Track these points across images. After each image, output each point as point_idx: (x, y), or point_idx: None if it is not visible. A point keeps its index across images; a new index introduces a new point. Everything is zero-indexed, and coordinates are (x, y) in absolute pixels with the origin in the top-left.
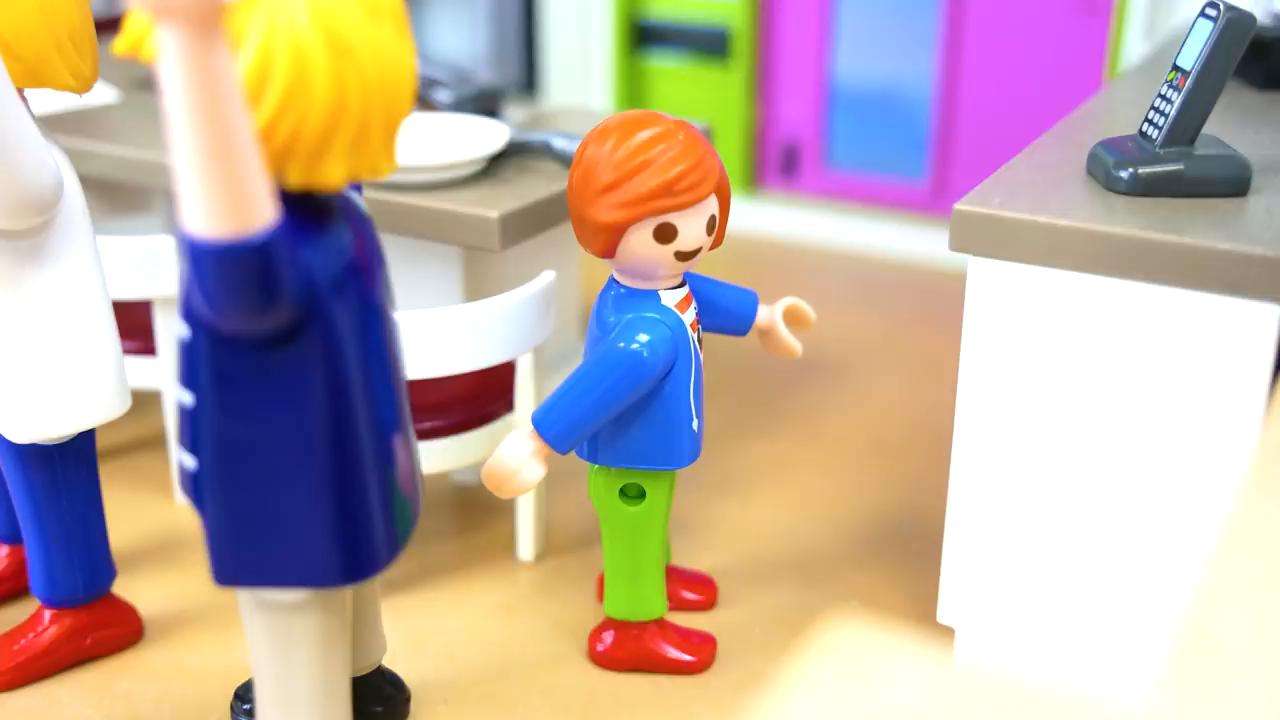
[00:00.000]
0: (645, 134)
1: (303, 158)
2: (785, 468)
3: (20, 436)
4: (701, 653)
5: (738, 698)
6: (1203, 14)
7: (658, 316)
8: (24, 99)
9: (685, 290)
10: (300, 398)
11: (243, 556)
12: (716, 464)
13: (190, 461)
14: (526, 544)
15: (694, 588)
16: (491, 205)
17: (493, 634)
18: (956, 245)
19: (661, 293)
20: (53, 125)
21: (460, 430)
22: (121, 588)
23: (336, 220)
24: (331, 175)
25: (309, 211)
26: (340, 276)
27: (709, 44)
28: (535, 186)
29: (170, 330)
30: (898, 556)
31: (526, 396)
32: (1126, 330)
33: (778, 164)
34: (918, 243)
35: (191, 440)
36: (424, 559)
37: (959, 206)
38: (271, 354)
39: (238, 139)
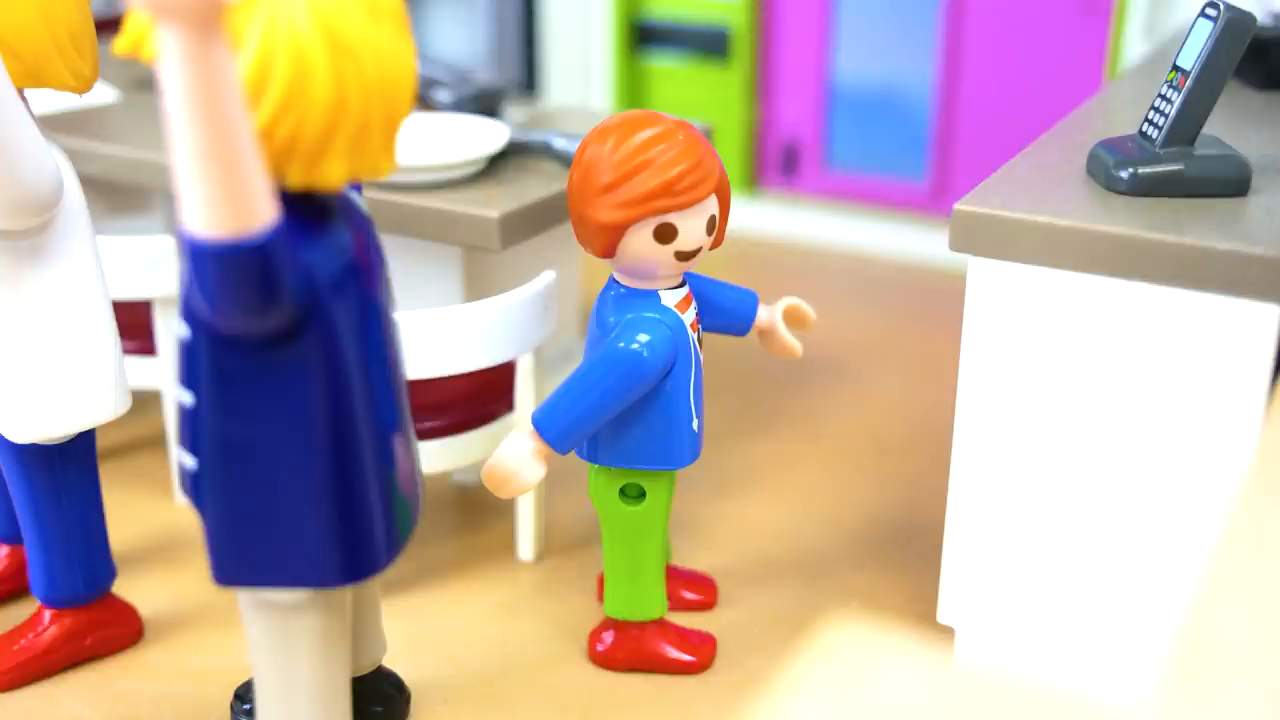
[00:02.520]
0: (645, 134)
1: (303, 158)
2: (785, 468)
3: (20, 436)
4: (701, 653)
5: (738, 698)
6: (1203, 14)
7: (658, 316)
8: (24, 99)
9: (685, 290)
10: (300, 398)
11: (243, 556)
12: (716, 464)
13: (190, 461)
14: (526, 544)
15: (694, 588)
16: (491, 205)
17: (493, 634)
18: (956, 245)
19: (661, 293)
20: (53, 125)
21: (460, 430)
22: (121, 588)
23: (336, 220)
24: (332, 175)
25: (309, 211)
26: (340, 276)
27: (709, 44)
28: (535, 186)
29: (170, 330)
30: (897, 556)
31: (526, 396)
32: (1126, 330)
33: (778, 164)
34: (918, 243)
35: (191, 440)
36: (424, 559)
37: (959, 206)
38: (271, 354)
39: (238, 139)
